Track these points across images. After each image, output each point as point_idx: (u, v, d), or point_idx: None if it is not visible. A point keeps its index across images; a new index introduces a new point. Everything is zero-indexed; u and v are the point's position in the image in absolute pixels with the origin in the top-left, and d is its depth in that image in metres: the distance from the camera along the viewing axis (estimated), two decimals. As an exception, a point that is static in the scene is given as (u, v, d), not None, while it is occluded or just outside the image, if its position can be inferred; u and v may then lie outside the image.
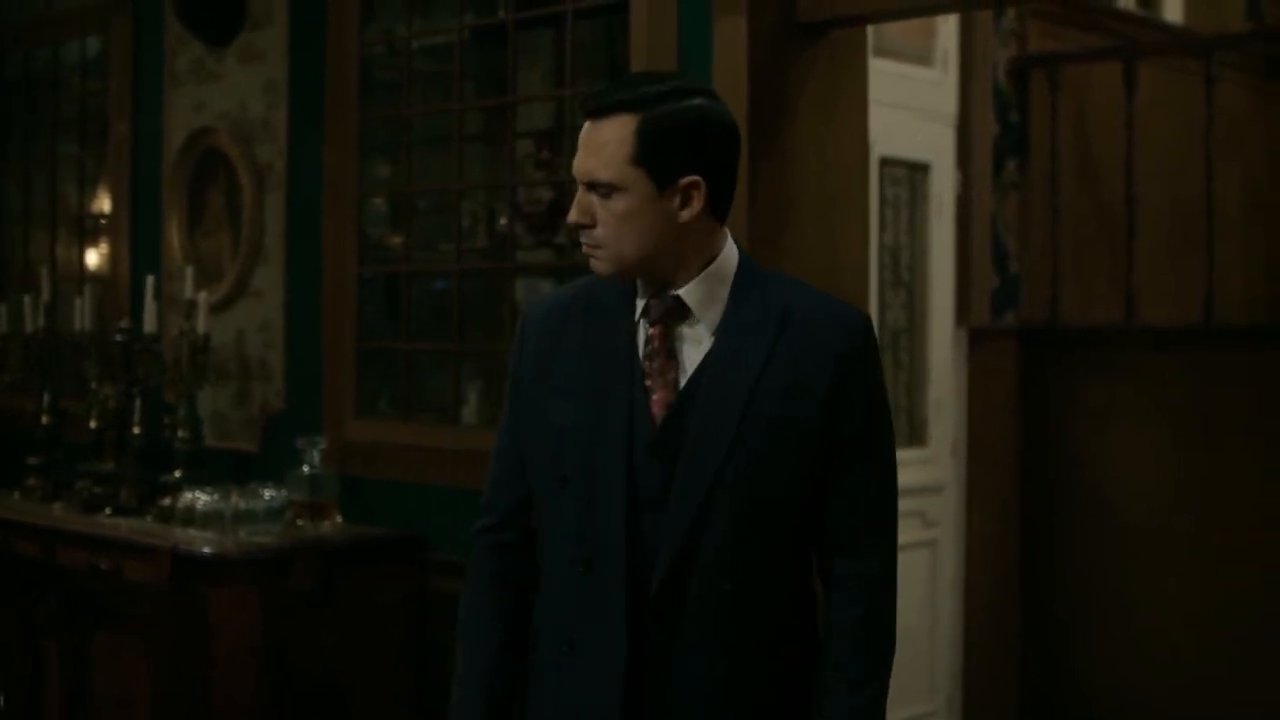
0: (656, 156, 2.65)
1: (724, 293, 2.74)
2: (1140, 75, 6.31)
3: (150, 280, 5.65)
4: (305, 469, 5.14)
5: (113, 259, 6.50)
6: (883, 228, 5.95)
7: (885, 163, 5.93)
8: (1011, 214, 6.38)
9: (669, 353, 2.73)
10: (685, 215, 2.67)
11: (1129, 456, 6.14)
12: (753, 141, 4.29)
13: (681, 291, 2.72)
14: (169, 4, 6.08)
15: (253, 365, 5.74)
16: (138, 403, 5.60)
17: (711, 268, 2.73)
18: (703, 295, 2.73)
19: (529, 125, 5.30)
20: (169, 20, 6.12)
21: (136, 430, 5.57)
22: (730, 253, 2.77)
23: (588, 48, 5.10)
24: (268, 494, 5.22)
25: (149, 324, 5.59)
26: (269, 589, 4.82)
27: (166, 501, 5.29)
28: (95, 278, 6.68)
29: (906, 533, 5.92)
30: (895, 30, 5.76)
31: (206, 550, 4.88)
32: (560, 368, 2.80)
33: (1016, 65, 6.41)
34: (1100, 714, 6.15)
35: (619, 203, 2.66)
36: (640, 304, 2.76)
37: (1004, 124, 6.36)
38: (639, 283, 2.76)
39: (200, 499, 5.18)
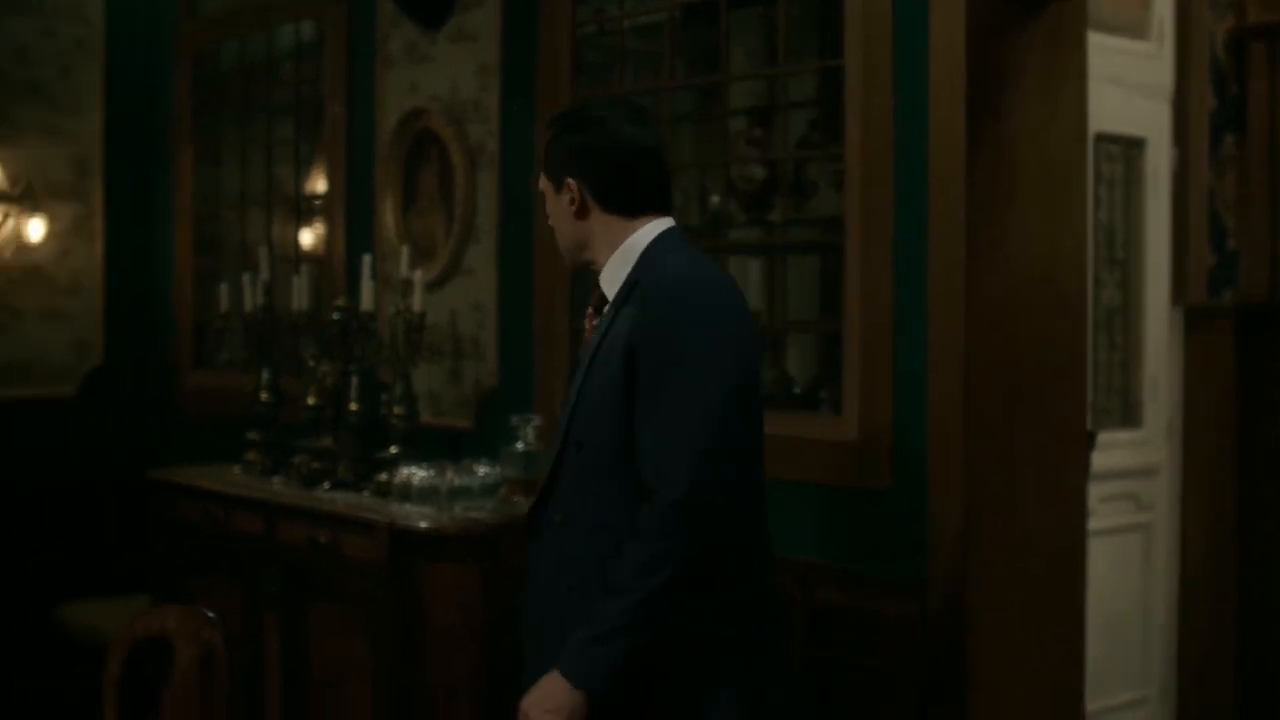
0: (548, 162, 3.39)
1: (625, 274, 3.27)
2: (1365, 46, 6.14)
3: (366, 259, 5.73)
4: (519, 446, 5.19)
5: (328, 239, 6.61)
6: (1097, 205, 5.84)
7: (1100, 139, 5.82)
8: (1229, 190, 6.24)
9: (595, 329, 3.33)
10: (573, 209, 3.33)
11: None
12: (971, 118, 4.25)
13: (600, 276, 3.34)
14: (382, -12, 6.18)
15: (465, 343, 5.81)
16: (354, 380, 5.68)
17: (616, 253, 3.31)
18: (608, 277, 3.32)
19: (740, 103, 5.29)
20: (382, 4, 6.22)
21: (353, 407, 5.64)
22: (639, 239, 3.30)
23: (800, 24, 5.06)
24: (482, 470, 5.27)
25: (365, 302, 5.67)
26: (484, 565, 4.87)
27: (383, 477, 5.37)
28: (311, 258, 6.80)
29: (1120, 515, 5.90)
30: (1110, 3, 5.66)
31: (423, 525, 4.93)
32: None
33: (1234, 37, 6.25)
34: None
35: (547, 205, 3.42)
36: None
37: (1221, 98, 6.22)
38: None
39: (416, 474, 5.23)
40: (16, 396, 7.50)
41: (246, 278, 6.23)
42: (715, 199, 5.18)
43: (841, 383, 4.56)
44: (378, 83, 6.27)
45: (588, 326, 3.37)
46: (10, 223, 7.31)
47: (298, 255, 6.88)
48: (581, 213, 3.32)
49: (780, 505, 4.68)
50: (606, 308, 3.29)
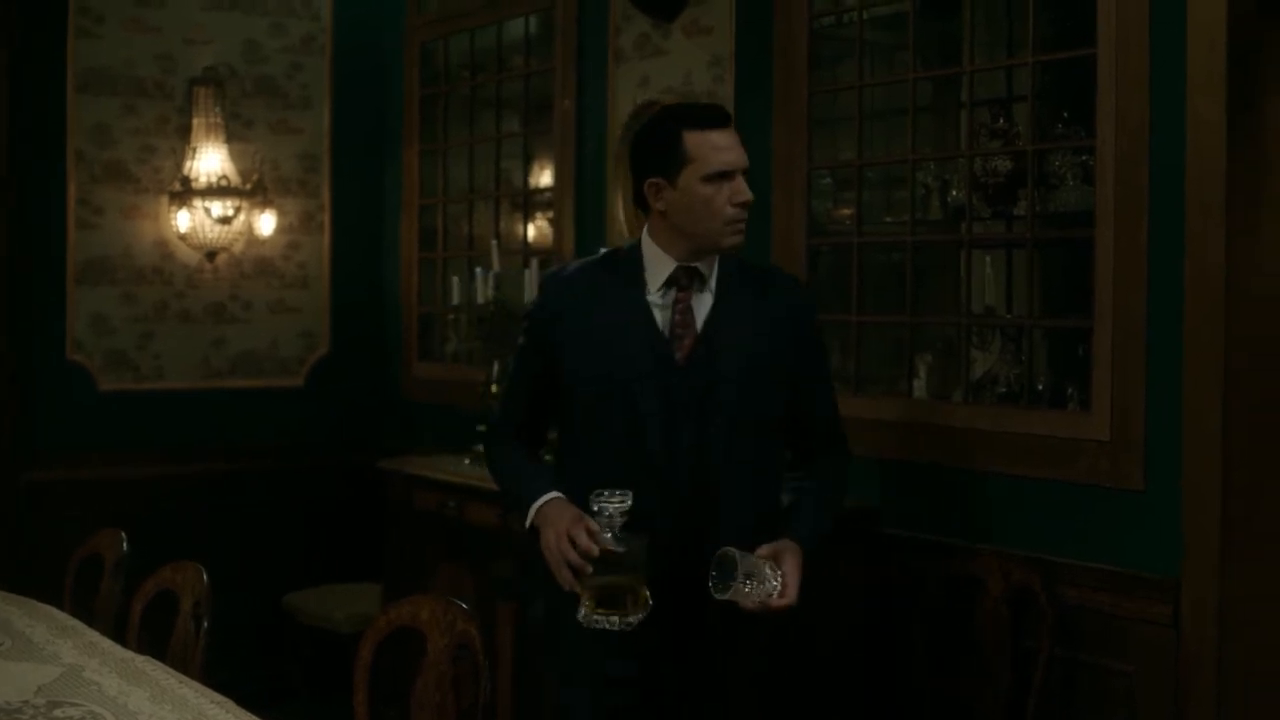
0: None
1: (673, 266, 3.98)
2: None
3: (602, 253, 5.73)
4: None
5: (557, 233, 6.64)
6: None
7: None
8: None
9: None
10: None
11: None
12: (1232, 111, 4.12)
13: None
14: (615, -18, 6.19)
15: (698, 337, 5.78)
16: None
17: None
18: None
19: (976, 93, 5.19)
20: (614, -2, 6.24)
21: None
22: None
23: (1043, 14, 4.94)
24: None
25: (597, 296, 5.66)
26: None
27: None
28: (538, 251, 6.83)
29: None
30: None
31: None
32: None
33: None
34: None
35: None
36: None
37: None
38: None
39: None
40: (247, 386, 7.66)
41: (479, 271, 6.28)
42: (955, 193, 5.10)
43: (1091, 380, 4.47)
44: (609, 76, 6.28)
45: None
46: (241, 217, 7.44)
47: (525, 249, 6.92)
48: None
49: (1026, 502, 4.65)
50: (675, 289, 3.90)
